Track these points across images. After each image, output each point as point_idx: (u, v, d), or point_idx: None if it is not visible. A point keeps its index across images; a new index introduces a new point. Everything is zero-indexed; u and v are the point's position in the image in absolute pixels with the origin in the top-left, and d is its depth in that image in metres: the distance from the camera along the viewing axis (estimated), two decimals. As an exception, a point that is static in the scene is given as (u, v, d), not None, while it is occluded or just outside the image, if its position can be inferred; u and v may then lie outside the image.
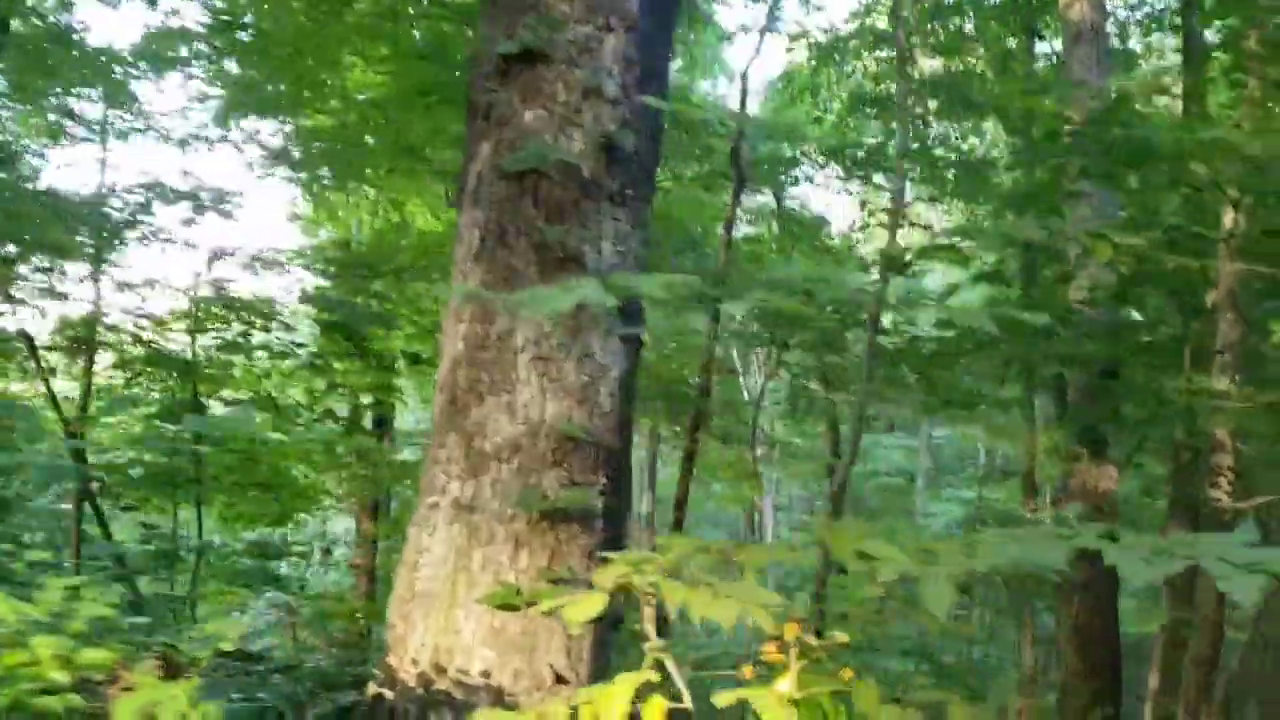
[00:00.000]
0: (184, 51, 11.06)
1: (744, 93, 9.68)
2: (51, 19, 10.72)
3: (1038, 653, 10.58)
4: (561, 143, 2.80)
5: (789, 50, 13.51)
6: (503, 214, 2.79)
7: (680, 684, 2.34)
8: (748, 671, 2.64)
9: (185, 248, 8.91)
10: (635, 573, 2.13)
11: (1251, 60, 4.82)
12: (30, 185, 10.37)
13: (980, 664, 13.70)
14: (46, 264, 11.30)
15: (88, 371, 11.81)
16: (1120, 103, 3.40)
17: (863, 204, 12.85)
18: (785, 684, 2.53)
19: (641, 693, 2.23)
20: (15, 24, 9.89)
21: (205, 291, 7.06)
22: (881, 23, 14.90)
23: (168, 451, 12.53)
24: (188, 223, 6.74)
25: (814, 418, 15.15)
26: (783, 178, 15.19)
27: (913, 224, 12.13)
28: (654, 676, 2.25)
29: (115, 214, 10.03)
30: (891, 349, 5.87)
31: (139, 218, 9.44)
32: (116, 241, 10.23)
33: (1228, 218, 4.59)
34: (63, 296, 10.83)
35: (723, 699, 2.23)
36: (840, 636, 2.93)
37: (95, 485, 6.56)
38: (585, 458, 2.77)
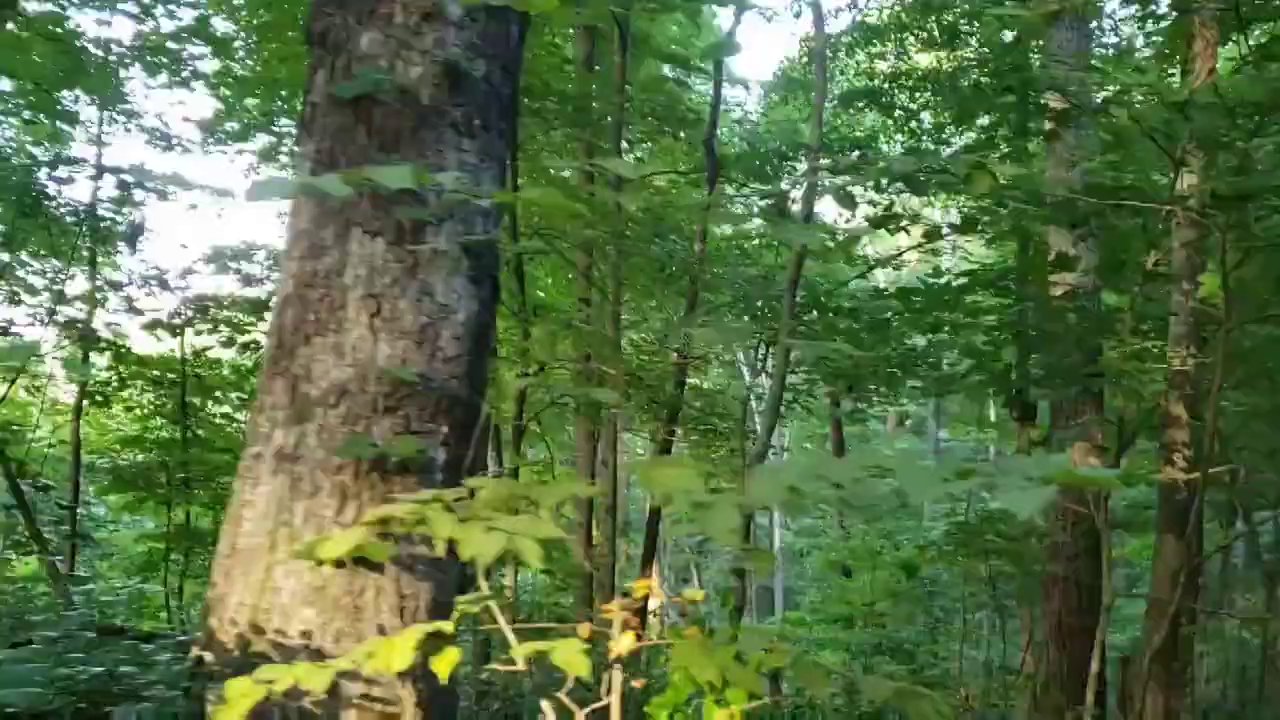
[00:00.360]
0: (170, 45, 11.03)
1: (717, 78, 9.49)
2: (52, 26, 10.72)
3: (1035, 651, 10.29)
4: (399, 68, 2.61)
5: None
6: (335, 144, 2.61)
7: (510, 637, 2.15)
8: (585, 630, 2.44)
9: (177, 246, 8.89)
10: (417, 510, 1.93)
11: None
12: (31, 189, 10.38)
13: (984, 666, 13.40)
14: (44, 266, 11.27)
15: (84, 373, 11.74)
16: (1025, 36, 3.18)
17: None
18: (623, 641, 2.34)
19: (432, 646, 2.03)
20: (10, 26, 9.89)
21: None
22: (872, 17, 14.66)
23: (158, 450, 12.47)
24: (120, 202, 6.60)
25: (805, 417, 14.85)
26: (783, 175, 14.95)
27: (897, 217, 11.92)
28: (448, 628, 2.05)
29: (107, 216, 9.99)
30: (839, 324, 5.69)
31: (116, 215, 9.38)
32: (104, 241, 10.18)
33: (1181, 182, 4.36)
34: (62, 297, 10.79)
35: (520, 650, 2.03)
36: (694, 594, 2.71)
37: (14, 466, 6.44)
38: (424, 405, 2.57)
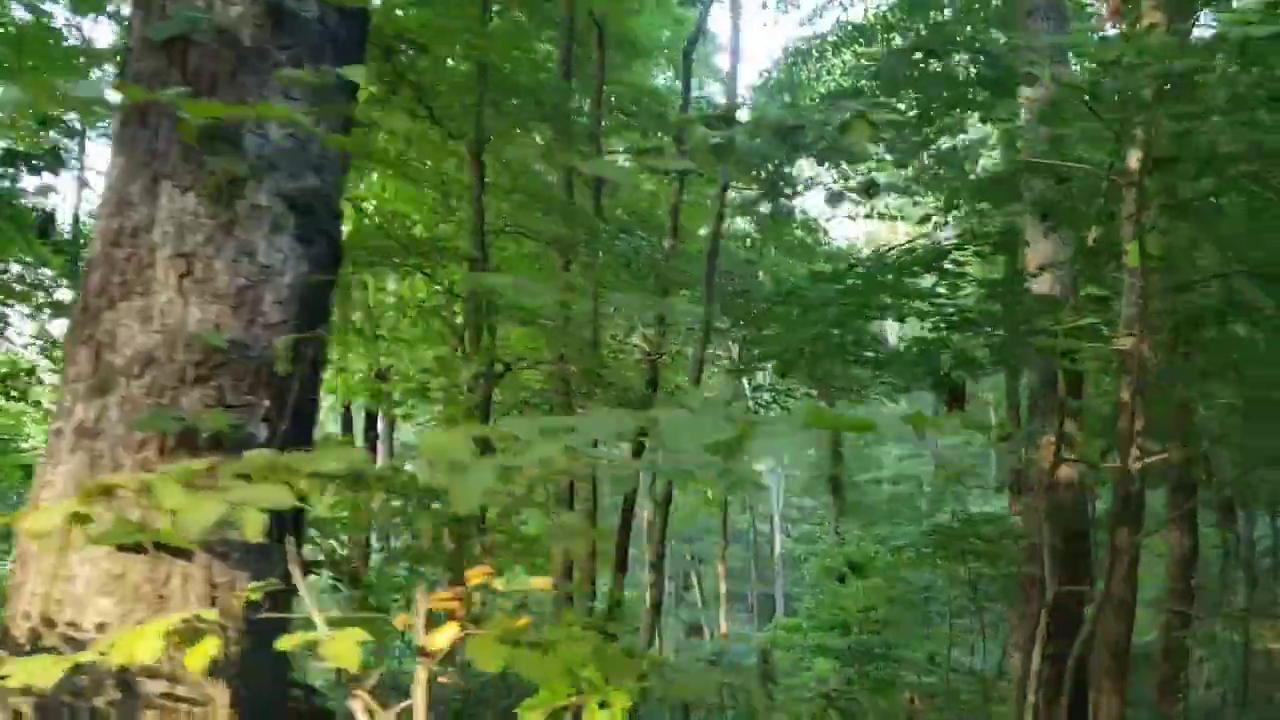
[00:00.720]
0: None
1: (687, 72, 9.28)
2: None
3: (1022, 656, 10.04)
4: (217, 6, 2.39)
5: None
6: (148, 90, 2.38)
7: (321, 626, 1.91)
8: (402, 620, 2.23)
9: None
10: (144, 478, 1.70)
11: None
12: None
13: (972, 670, 13.13)
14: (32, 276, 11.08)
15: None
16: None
17: (828, 198, 12.53)
18: (445, 634, 2.11)
19: (190, 635, 1.80)
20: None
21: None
22: (857, 16, 14.45)
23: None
24: (43, 190, 6.44)
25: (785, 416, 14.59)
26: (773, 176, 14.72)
27: (881, 215, 11.66)
28: (209, 615, 1.82)
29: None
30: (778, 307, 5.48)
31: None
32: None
33: (1132, 159, 4.12)
34: (53, 307, 10.62)
35: (286, 642, 1.80)
36: (535, 583, 2.49)
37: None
38: (242, 375, 2.34)
